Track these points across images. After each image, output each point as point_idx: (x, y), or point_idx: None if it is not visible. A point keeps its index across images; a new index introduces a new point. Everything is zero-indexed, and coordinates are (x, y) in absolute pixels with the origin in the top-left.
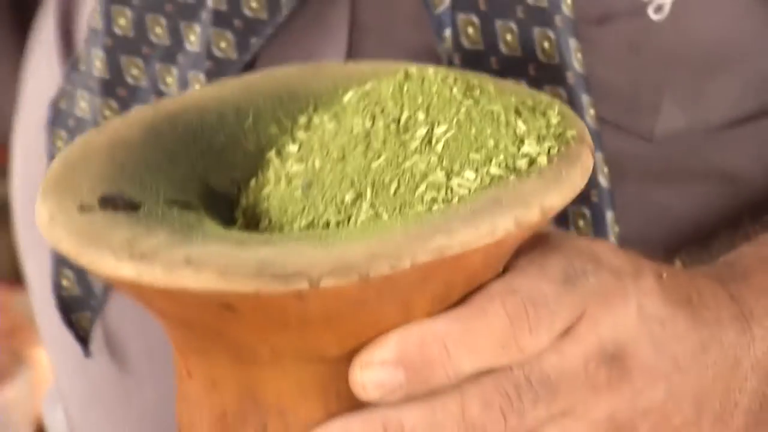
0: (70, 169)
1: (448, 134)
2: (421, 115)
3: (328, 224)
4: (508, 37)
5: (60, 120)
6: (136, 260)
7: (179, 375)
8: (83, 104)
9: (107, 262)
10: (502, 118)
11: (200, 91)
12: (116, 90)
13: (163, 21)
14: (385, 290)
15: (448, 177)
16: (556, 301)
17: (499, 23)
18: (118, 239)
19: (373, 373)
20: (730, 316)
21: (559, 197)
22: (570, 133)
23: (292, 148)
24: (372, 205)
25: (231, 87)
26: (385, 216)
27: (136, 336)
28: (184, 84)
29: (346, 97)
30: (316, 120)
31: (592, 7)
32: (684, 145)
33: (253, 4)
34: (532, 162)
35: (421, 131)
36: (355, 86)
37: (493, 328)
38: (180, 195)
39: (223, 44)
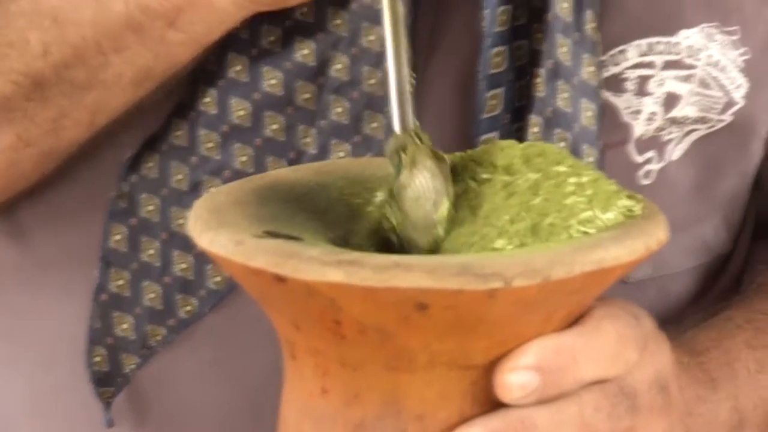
0: (216, 215)
1: (590, 182)
2: (562, 168)
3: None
4: None
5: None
6: (344, 265)
7: (307, 398)
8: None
9: (313, 268)
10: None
11: (278, 172)
12: None
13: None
14: (550, 296)
15: (596, 214)
16: (638, 330)
17: None
18: (316, 252)
19: (517, 376)
20: (704, 379)
21: (664, 233)
22: (638, 195)
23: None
24: (518, 236)
25: (305, 170)
26: (528, 242)
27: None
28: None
29: None
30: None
31: None
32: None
33: None
34: (630, 210)
35: (573, 179)
36: None
37: (609, 343)
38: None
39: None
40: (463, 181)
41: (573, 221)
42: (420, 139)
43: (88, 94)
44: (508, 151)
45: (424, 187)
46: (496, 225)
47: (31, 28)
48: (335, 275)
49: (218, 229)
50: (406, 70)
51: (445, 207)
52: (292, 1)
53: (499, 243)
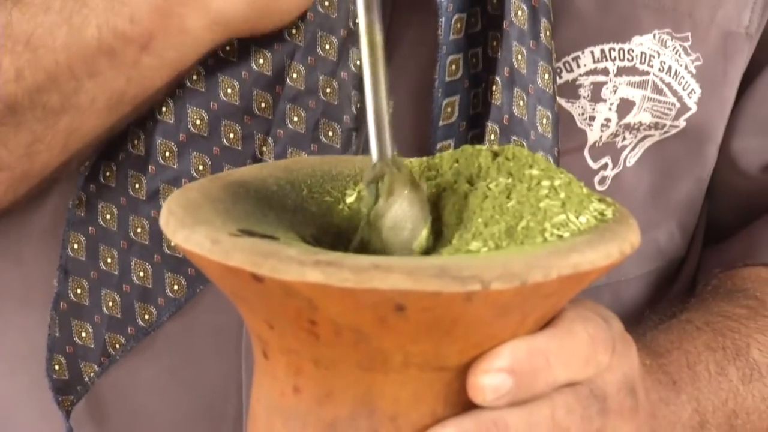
0: (190, 212)
1: (563, 185)
2: (535, 171)
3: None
4: None
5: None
6: (323, 265)
7: (279, 397)
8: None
9: (291, 268)
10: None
11: (247, 169)
12: None
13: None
14: (526, 299)
15: (569, 218)
16: (608, 332)
17: None
18: (294, 252)
19: (491, 378)
20: (667, 381)
21: (636, 237)
22: (608, 199)
23: (347, 213)
24: (493, 239)
25: (273, 167)
26: (503, 245)
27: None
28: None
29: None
30: (364, 192)
31: None
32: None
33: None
34: (602, 214)
35: (546, 182)
36: None
37: (581, 345)
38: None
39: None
40: (436, 187)
41: (547, 224)
42: (398, 167)
43: (61, 118)
44: (479, 155)
45: (401, 216)
46: (470, 228)
47: (3, 53)
48: (313, 276)
49: (193, 227)
50: (384, 98)
51: (423, 235)
52: (265, 30)
53: (474, 245)
